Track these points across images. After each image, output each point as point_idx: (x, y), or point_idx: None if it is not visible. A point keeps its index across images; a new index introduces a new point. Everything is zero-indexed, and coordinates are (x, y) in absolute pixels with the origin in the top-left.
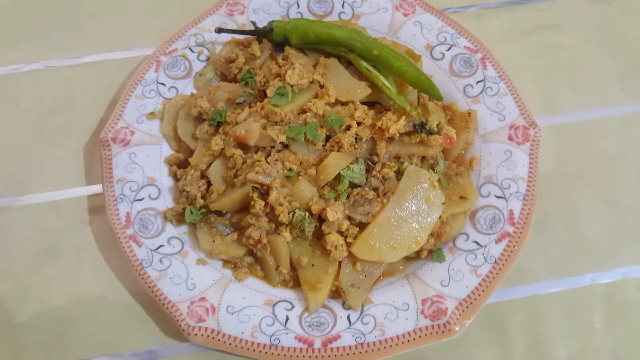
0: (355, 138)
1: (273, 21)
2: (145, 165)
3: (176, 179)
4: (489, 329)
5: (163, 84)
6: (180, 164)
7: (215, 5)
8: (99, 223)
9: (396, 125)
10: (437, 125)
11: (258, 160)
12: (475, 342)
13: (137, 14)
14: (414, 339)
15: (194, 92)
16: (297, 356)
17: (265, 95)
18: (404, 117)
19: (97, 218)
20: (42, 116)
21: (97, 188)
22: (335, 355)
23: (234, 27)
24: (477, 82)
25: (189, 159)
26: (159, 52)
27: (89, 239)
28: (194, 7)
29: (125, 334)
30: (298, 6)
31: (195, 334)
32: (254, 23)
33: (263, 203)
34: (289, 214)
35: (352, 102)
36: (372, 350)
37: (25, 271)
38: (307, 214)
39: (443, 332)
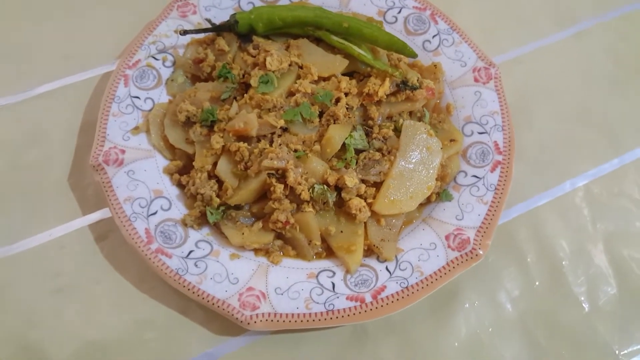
0: (347, 107)
1: (236, 13)
2: (146, 180)
3: (181, 186)
4: (502, 247)
5: (137, 97)
6: (180, 171)
7: (166, 9)
8: (109, 248)
9: (383, 87)
10: (417, 80)
11: (265, 148)
12: (494, 262)
13: (82, 34)
14: (449, 270)
15: (170, 99)
16: (354, 314)
17: (248, 86)
18: (387, 79)
19: (105, 245)
20: (13, 157)
21: (95, 216)
22: (387, 304)
23: (191, 27)
24: (433, 37)
25: (193, 163)
26: (123, 66)
27: (104, 266)
28: (139, 17)
29: (176, 345)
30: None
31: (255, 322)
32: (209, 20)
33: (282, 186)
34: (309, 190)
35: (334, 75)
36: (417, 291)
37: (50, 313)
38: (325, 186)
39: (472, 258)
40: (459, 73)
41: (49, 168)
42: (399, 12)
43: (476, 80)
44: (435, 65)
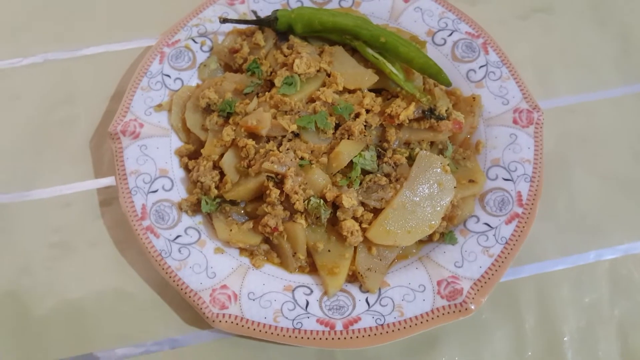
0: (365, 125)
1: (277, 10)
2: (156, 157)
3: (187, 170)
4: (501, 307)
5: (168, 76)
6: (190, 155)
7: None
8: (110, 216)
9: (406, 111)
10: (446, 110)
11: (271, 150)
12: (488, 319)
13: (136, 5)
14: (432, 318)
15: (199, 83)
16: (320, 338)
17: (272, 84)
18: (413, 103)
19: (108, 211)
20: (45, 110)
21: (106, 181)
22: (357, 337)
23: (236, 17)
24: (480, 67)
25: (201, 150)
26: (162, 43)
27: (102, 231)
28: None
29: (146, 324)
30: None
31: (220, 321)
32: (255, 12)
33: (278, 192)
34: (304, 201)
35: (360, 89)
36: (392, 331)
37: (41, 266)
38: (321, 201)
39: (460, 311)
40: (499, 111)
41: (75, 127)
42: (450, 35)
43: (515, 122)
44: (474, 98)
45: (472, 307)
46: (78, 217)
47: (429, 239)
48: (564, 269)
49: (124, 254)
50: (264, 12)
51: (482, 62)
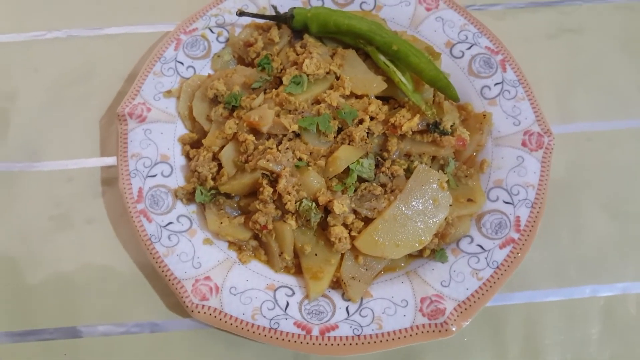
0: (367, 132)
1: (294, 8)
2: (159, 143)
3: (188, 158)
4: (485, 331)
5: (181, 63)
6: (193, 144)
7: None
8: (110, 195)
9: (410, 123)
10: (451, 126)
11: (269, 148)
12: (470, 342)
13: None
14: (410, 335)
15: (211, 73)
16: (295, 341)
17: (281, 82)
18: (418, 115)
19: (109, 190)
20: (61, 85)
21: (110, 160)
22: (332, 344)
23: (255, 10)
24: (495, 84)
25: (202, 140)
26: (180, 30)
27: (100, 210)
28: None
29: (130, 304)
30: None
31: (199, 312)
32: (274, 7)
33: (271, 190)
34: (296, 203)
35: (367, 95)
36: (368, 343)
37: (38, 236)
38: (313, 204)
39: (440, 331)
40: (509, 131)
41: (88, 105)
42: (469, 48)
43: (524, 144)
44: (484, 115)
45: (453, 328)
46: (79, 192)
47: (420, 254)
48: (557, 301)
49: (118, 234)
50: (284, 7)
51: (498, 80)
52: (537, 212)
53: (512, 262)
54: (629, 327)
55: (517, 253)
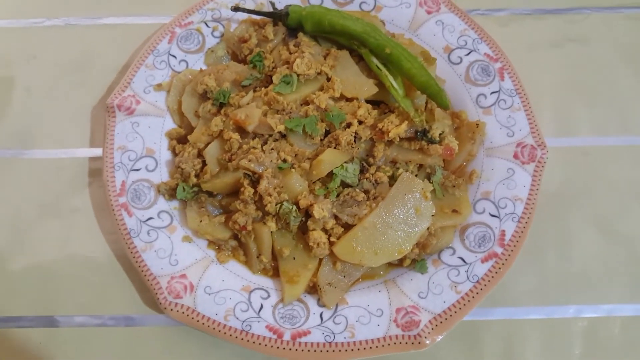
0: (355, 137)
1: (290, 5)
2: (146, 136)
3: (174, 153)
4: (461, 346)
5: (174, 56)
6: (180, 139)
7: None
8: (96, 186)
9: (397, 129)
10: (440, 134)
11: (254, 147)
12: (446, 356)
13: None
14: (382, 345)
15: (204, 67)
16: (266, 345)
17: (272, 80)
18: (406, 121)
19: (95, 181)
20: (57, 73)
21: (99, 151)
22: (303, 350)
23: (253, 6)
24: (492, 93)
25: (188, 136)
26: (175, 23)
27: (86, 200)
28: None
29: (108, 297)
30: None
31: (172, 309)
32: (272, 3)
33: (252, 191)
34: (276, 205)
35: (357, 99)
36: (340, 351)
37: (24, 223)
38: (294, 207)
39: (412, 343)
40: (501, 142)
41: (80, 94)
42: (467, 54)
43: (516, 156)
44: (477, 124)
45: (427, 341)
46: (67, 182)
47: (400, 263)
48: (538, 319)
49: (101, 226)
50: (282, 4)
51: (495, 88)
52: (524, 227)
53: (492, 277)
54: (612, 351)
55: (499, 268)
